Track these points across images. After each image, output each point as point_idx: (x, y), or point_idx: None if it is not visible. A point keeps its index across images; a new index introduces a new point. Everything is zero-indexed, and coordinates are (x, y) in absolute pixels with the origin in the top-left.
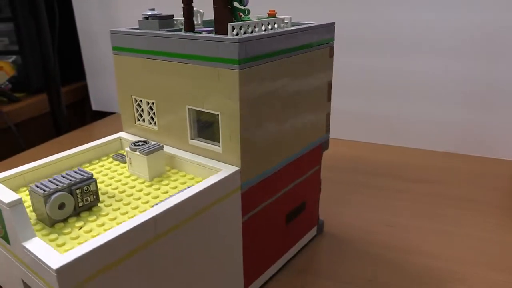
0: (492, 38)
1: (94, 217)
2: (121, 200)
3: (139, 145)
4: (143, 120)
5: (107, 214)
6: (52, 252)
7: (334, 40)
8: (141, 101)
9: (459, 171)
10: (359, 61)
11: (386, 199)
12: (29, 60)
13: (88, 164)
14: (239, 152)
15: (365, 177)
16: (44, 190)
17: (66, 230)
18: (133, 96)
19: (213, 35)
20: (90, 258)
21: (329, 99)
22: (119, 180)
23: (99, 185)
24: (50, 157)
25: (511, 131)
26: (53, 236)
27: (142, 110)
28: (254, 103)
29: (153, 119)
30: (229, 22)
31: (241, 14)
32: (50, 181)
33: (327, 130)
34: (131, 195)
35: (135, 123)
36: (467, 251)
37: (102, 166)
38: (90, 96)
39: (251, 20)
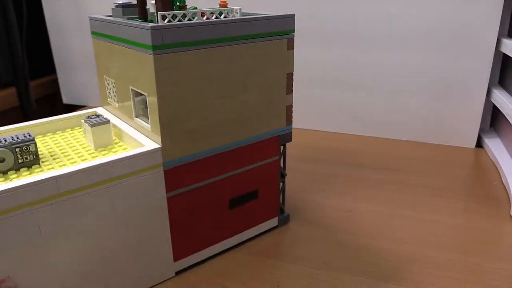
0: (451, 31)
1: (28, 172)
2: (60, 161)
3: (91, 118)
4: (111, 97)
5: (41, 171)
6: None
7: (293, 33)
8: (109, 80)
9: (420, 159)
10: (327, 54)
11: (348, 187)
12: None
13: (61, 131)
14: (159, 132)
15: (330, 166)
16: None
17: (1, 179)
18: (104, 76)
19: (137, 23)
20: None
21: (289, 91)
22: (72, 146)
23: (54, 148)
24: (33, 121)
25: (466, 119)
26: None
27: (110, 89)
28: (176, 87)
29: (115, 97)
30: (166, 11)
31: (179, 4)
32: None
33: (288, 123)
34: (71, 159)
35: (107, 100)
36: (422, 235)
37: (71, 133)
38: (61, 90)
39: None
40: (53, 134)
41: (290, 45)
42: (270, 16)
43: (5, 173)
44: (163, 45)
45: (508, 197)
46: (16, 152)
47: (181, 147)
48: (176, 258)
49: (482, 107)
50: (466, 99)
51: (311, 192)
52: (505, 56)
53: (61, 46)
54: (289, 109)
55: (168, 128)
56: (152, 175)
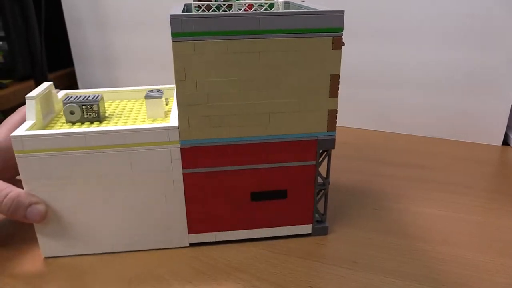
0: (479, 27)
1: (86, 125)
2: (115, 123)
3: (151, 92)
4: None
5: (96, 126)
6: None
7: (342, 31)
8: None
9: (444, 156)
10: (352, 50)
11: (373, 184)
12: (15, 47)
13: (134, 100)
14: (176, 113)
15: (352, 162)
16: (66, 101)
17: (67, 126)
18: None
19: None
20: (43, 140)
21: (333, 95)
22: (136, 113)
23: (121, 111)
24: (108, 88)
25: (494, 117)
26: (56, 126)
27: None
28: (194, 73)
29: None
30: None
31: None
32: (76, 97)
33: (331, 128)
34: (125, 122)
35: None
36: (451, 233)
37: (135, 103)
38: (78, 82)
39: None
40: (120, 101)
41: (337, 44)
42: (308, 12)
43: (73, 123)
44: (182, 33)
45: None
46: (82, 108)
47: (198, 130)
48: (191, 231)
49: (510, 104)
50: (493, 96)
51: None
52: None
53: (79, 40)
54: (332, 113)
55: (184, 110)
56: (169, 149)
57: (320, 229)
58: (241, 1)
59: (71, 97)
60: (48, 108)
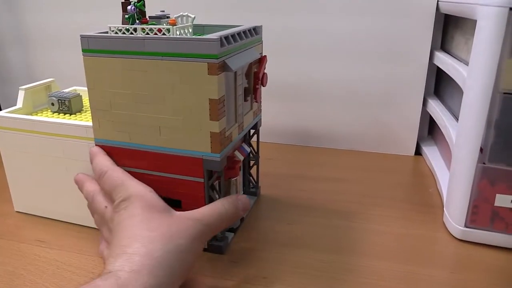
0: (387, 44)
1: (60, 116)
2: (77, 117)
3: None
4: None
5: (62, 117)
6: None
7: (217, 58)
8: None
9: (360, 168)
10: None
11: (289, 199)
12: None
13: None
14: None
15: (273, 176)
16: (50, 95)
17: (49, 115)
18: None
19: None
20: (13, 121)
21: (213, 118)
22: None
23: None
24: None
25: (408, 129)
26: (38, 114)
27: None
28: (99, 83)
29: None
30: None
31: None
32: (60, 93)
33: (215, 150)
34: (86, 118)
35: None
36: (360, 244)
37: None
38: None
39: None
40: None
41: (212, 70)
42: (185, 38)
43: (54, 113)
44: (89, 49)
45: (442, 204)
46: (59, 102)
47: (106, 132)
48: None
49: (419, 116)
50: (404, 108)
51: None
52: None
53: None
54: (215, 136)
55: (95, 113)
56: (87, 144)
57: (216, 247)
58: (149, 25)
59: (56, 92)
60: (43, 99)
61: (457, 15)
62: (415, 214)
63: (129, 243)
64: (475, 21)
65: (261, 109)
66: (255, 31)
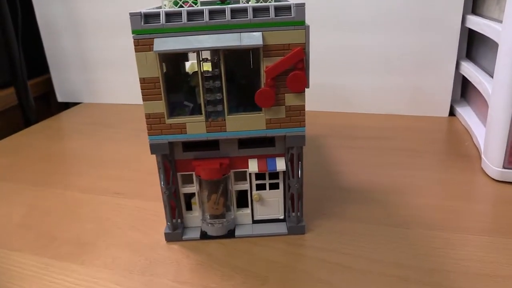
0: (421, 12)
1: None
2: None
3: None
4: None
5: None
6: None
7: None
8: None
9: (402, 129)
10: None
11: (339, 153)
12: None
13: None
14: None
15: (320, 138)
16: None
17: None
18: None
19: None
20: None
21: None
22: None
23: None
24: None
25: (442, 91)
26: None
27: None
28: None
29: None
30: None
31: None
32: None
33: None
34: None
35: None
36: (413, 187)
37: None
38: (55, 88)
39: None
40: None
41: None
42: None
43: None
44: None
45: (479, 154)
46: None
47: None
48: None
49: (453, 78)
50: (438, 72)
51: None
52: (470, 31)
53: (53, 45)
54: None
55: None
56: None
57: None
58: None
59: None
60: None
61: None
62: (455, 163)
63: None
64: None
65: (303, 123)
66: (281, 10)
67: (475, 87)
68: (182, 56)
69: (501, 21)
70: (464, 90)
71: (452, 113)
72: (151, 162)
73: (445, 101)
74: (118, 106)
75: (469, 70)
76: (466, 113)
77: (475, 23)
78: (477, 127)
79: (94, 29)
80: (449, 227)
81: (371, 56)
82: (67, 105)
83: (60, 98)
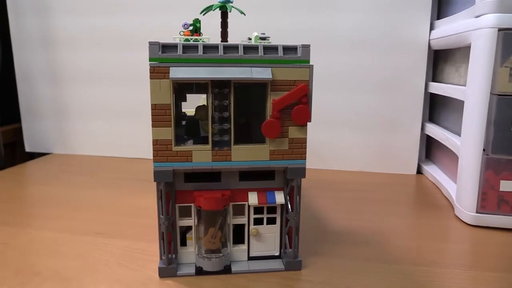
0: (389, 77)
1: None
2: None
3: None
4: None
5: None
6: None
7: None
8: None
9: (373, 184)
10: None
11: (322, 202)
12: None
13: None
14: None
15: (303, 190)
16: None
17: None
18: None
19: None
20: None
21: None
22: None
23: None
24: None
25: (410, 150)
26: None
27: None
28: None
29: None
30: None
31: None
32: None
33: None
34: None
35: None
36: (395, 231)
37: None
38: (24, 138)
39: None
40: None
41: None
42: None
43: None
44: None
45: (451, 204)
46: None
47: None
48: None
49: (419, 138)
50: (405, 132)
51: None
52: (431, 96)
53: (28, 94)
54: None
55: None
56: None
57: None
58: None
59: None
60: None
61: (448, 47)
62: (429, 211)
63: None
64: (465, 48)
65: (304, 156)
66: (288, 49)
67: (440, 148)
68: (188, 89)
69: (461, 85)
70: (428, 151)
71: (419, 171)
72: (129, 205)
73: (413, 159)
74: (89, 157)
75: (434, 129)
76: (433, 171)
77: (438, 88)
78: (446, 181)
79: (70, 78)
80: (435, 263)
81: (342, 116)
82: (32, 156)
83: (28, 148)
